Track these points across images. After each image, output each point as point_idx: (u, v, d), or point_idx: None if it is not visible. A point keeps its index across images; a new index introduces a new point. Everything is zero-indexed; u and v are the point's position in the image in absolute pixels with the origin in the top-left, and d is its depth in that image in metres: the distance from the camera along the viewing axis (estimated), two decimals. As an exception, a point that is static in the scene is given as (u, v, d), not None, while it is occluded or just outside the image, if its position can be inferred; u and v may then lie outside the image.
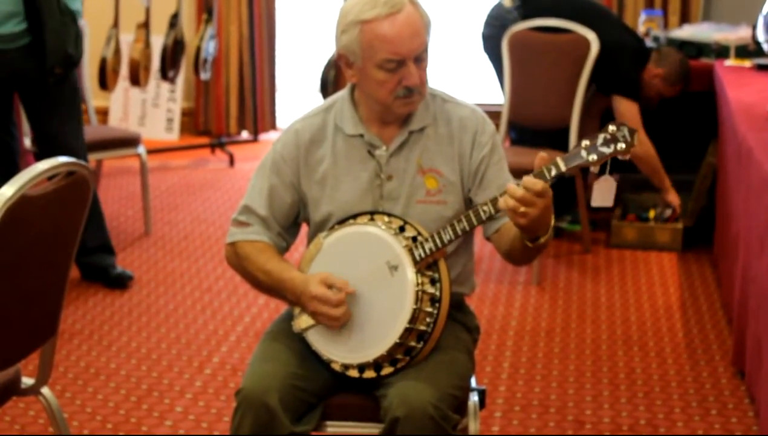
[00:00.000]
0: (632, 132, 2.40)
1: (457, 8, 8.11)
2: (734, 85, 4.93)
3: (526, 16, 5.27)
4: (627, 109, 5.14)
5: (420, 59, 2.56)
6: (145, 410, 3.73)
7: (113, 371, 4.03)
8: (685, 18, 6.65)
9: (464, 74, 8.21)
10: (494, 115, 5.93)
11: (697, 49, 5.69)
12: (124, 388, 3.90)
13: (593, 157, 2.41)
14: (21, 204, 2.40)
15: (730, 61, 5.52)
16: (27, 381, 2.82)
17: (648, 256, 5.28)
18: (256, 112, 7.53)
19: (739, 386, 3.86)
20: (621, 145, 2.41)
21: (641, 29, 6.11)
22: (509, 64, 5.25)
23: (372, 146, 2.66)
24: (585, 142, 2.42)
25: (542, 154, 2.42)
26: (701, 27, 6.00)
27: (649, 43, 5.81)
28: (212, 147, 7.23)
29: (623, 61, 5.17)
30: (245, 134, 7.69)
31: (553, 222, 2.50)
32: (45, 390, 2.84)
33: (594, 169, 2.45)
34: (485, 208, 2.48)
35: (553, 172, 2.41)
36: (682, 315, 4.53)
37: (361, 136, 2.66)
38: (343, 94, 2.72)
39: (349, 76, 2.63)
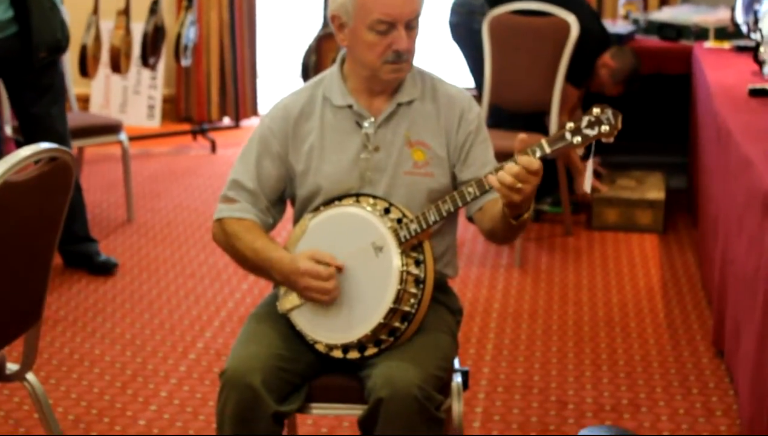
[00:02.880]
0: (616, 115, 2.42)
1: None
2: (713, 66, 4.95)
3: (493, 2, 5.28)
4: (571, 95, 5.28)
5: (411, 27, 2.59)
6: (129, 396, 3.73)
7: (98, 357, 4.03)
8: (665, 0, 6.66)
9: (435, 61, 8.23)
10: (476, 100, 5.98)
11: (677, 31, 5.71)
12: (109, 374, 3.90)
13: (578, 139, 2.43)
14: (3, 190, 2.40)
15: (710, 43, 5.55)
16: (12, 367, 2.82)
17: (629, 238, 5.30)
18: (238, 98, 7.52)
19: (720, 365, 3.89)
20: (605, 128, 2.42)
21: (621, 11, 6.15)
22: (489, 48, 5.26)
23: (360, 117, 2.67)
24: (569, 125, 2.43)
25: (522, 137, 2.44)
26: (681, 9, 6.03)
27: (628, 26, 5.83)
28: (194, 133, 7.22)
29: (585, 49, 5.18)
30: (227, 120, 7.68)
31: (533, 202, 2.51)
32: (30, 376, 2.84)
33: (579, 151, 2.47)
34: (470, 190, 2.49)
35: (538, 154, 2.42)
36: (663, 296, 4.56)
37: (350, 107, 2.68)
38: (332, 68, 2.75)
39: (340, 39, 2.66)
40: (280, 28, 8.18)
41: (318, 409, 2.67)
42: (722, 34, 5.57)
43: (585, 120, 2.42)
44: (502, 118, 5.59)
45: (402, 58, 2.59)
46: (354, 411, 2.61)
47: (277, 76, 8.25)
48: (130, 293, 4.65)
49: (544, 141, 2.43)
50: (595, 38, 5.30)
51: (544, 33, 5.19)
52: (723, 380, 3.80)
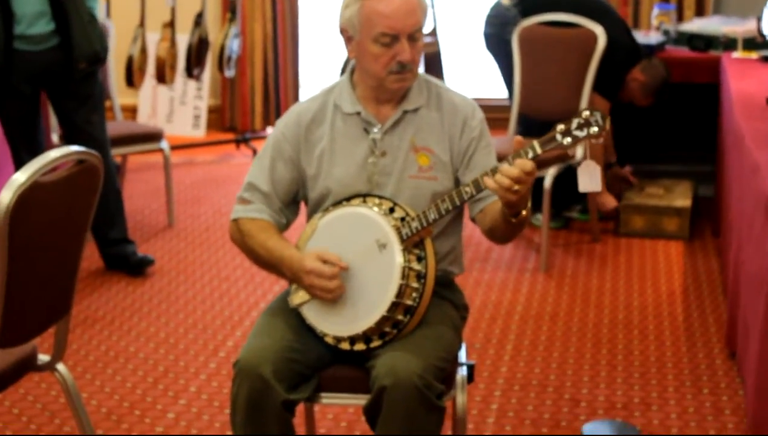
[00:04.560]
0: (604, 117, 2.54)
1: (464, 8, 8.25)
2: (738, 76, 5.04)
3: (525, 13, 5.41)
4: (599, 106, 5.32)
5: (414, 38, 2.74)
6: (160, 390, 3.90)
7: (132, 354, 4.20)
8: (699, 11, 6.74)
9: (472, 71, 8.36)
10: (502, 109, 6.10)
11: (706, 41, 5.79)
12: (142, 369, 4.07)
13: (568, 140, 2.56)
14: (33, 189, 2.57)
15: (738, 54, 5.62)
16: (43, 358, 2.99)
17: (656, 244, 5.39)
18: (280, 108, 7.69)
19: (732, 366, 3.98)
20: (594, 129, 2.55)
21: (654, 23, 6.22)
22: (519, 59, 5.39)
23: (368, 124, 2.82)
24: (560, 127, 2.56)
25: (518, 139, 2.57)
26: (711, 20, 6.10)
27: (659, 36, 5.92)
28: (237, 142, 7.40)
29: (614, 60, 5.29)
30: (270, 130, 7.85)
31: (529, 202, 2.64)
32: (60, 366, 3.01)
33: (570, 151, 2.59)
34: (467, 189, 2.63)
35: (530, 155, 2.55)
36: (684, 300, 4.65)
37: (358, 114, 2.83)
38: (343, 77, 2.90)
39: (348, 51, 2.82)
40: (322, 39, 8.34)
41: (327, 398, 2.82)
42: (750, 44, 5.64)
43: (575, 122, 2.55)
44: (532, 126, 5.71)
45: (406, 68, 2.74)
46: (360, 400, 2.75)
47: (319, 86, 8.39)
48: (166, 293, 4.82)
49: (536, 142, 2.56)
50: (624, 50, 5.40)
51: (573, 44, 5.30)
52: (734, 380, 3.89)
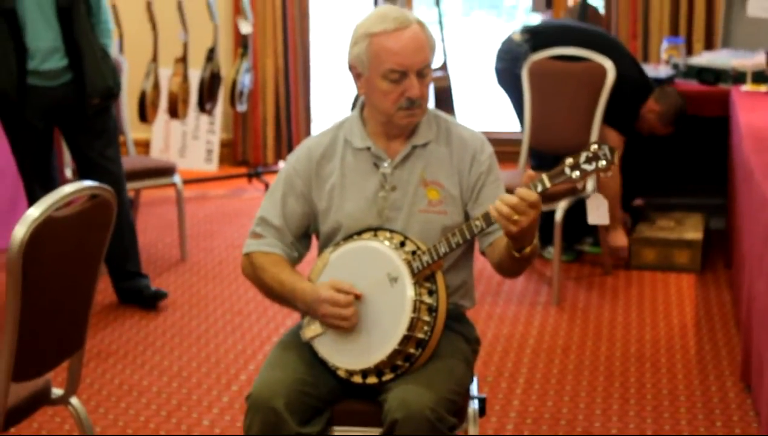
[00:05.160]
0: (612, 150, 2.56)
1: (475, 42, 8.32)
2: (747, 109, 5.06)
3: (535, 47, 5.44)
4: (613, 141, 5.33)
5: (422, 74, 2.76)
6: (174, 424, 3.91)
7: (145, 388, 4.21)
8: (708, 44, 6.76)
9: (483, 104, 8.40)
10: (512, 142, 6.13)
11: (715, 75, 5.81)
12: (155, 403, 4.08)
13: (576, 173, 2.57)
14: (47, 224, 2.59)
15: (747, 87, 5.64)
16: (57, 392, 3.00)
17: (667, 277, 5.39)
18: (292, 142, 7.72)
19: (746, 399, 3.98)
20: (602, 163, 2.56)
21: (663, 56, 6.24)
22: (529, 93, 5.41)
23: (378, 159, 2.84)
24: (569, 160, 2.58)
25: (529, 173, 2.59)
26: (720, 53, 6.12)
27: (668, 70, 5.95)
28: (249, 177, 7.43)
29: (623, 95, 5.31)
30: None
31: (537, 238, 2.65)
32: (74, 400, 3.03)
33: (579, 185, 2.61)
34: (477, 222, 2.65)
35: (539, 188, 2.57)
36: (696, 333, 4.65)
37: (368, 149, 2.84)
38: (353, 112, 2.92)
39: (358, 87, 2.84)
40: (334, 73, 8.39)
41: (339, 432, 2.82)
42: (759, 77, 5.66)
43: (583, 155, 2.56)
44: (545, 160, 5.74)
45: (415, 104, 2.76)
46: (373, 434, 2.76)
47: (331, 120, 8.43)
48: (179, 327, 4.84)
49: (544, 175, 2.57)
50: (634, 84, 5.42)
51: (582, 78, 5.32)
52: (748, 413, 3.88)
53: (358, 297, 2.71)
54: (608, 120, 5.33)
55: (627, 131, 5.44)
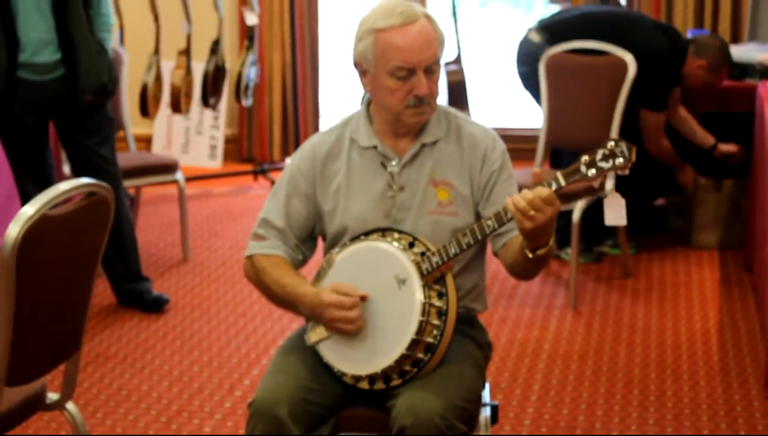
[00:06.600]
0: (630, 147, 2.55)
1: (489, 35, 8.33)
2: (774, 105, 5.04)
3: (552, 40, 5.43)
4: (653, 120, 5.41)
5: (431, 71, 2.76)
6: (174, 430, 3.92)
7: (145, 393, 4.22)
8: (734, 37, 6.74)
9: (498, 99, 8.40)
10: (528, 139, 6.14)
11: (741, 70, 5.80)
12: (155, 409, 4.09)
13: (592, 171, 2.57)
14: (42, 223, 2.59)
15: (774, 82, 5.62)
16: (52, 396, 3.01)
17: (689, 280, 5.38)
18: (299, 138, 7.73)
19: (771, 408, 3.98)
20: (619, 160, 2.56)
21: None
22: (546, 88, 5.40)
23: (385, 158, 2.84)
24: (584, 158, 2.58)
25: (536, 171, 2.59)
26: (747, 47, 6.11)
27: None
28: (255, 174, 7.44)
29: (655, 72, 5.30)
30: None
31: (552, 240, 2.64)
32: (70, 405, 3.03)
33: (595, 183, 2.60)
34: (489, 222, 2.65)
35: (554, 186, 2.57)
36: (719, 339, 4.64)
37: (375, 147, 2.84)
38: (359, 109, 2.92)
39: (364, 84, 2.84)
40: (343, 67, 8.39)
41: (345, 439, 2.83)
42: (788, 72, 5.65)
43: (600, 153, 2.56)
44: (563, 157, 5.74)
45: (423, 102, 2.76)
46: (379, 441, 2.77)
47: (340, 115, 8.44)
48: (181, 330, 4.85)
49: (559, 174, 2.57)
50: (665, 55, 5.37)
51: (602, 71, 5.31)
52: (772, 423, 3.88)
53: (363, 298, 2.72)
54: (642, 103, 5.33)
55: (663, 107, 5.43)
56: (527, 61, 5.62)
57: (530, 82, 5.64)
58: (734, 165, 5.62)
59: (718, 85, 5.52)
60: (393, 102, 2.77)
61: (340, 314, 2.71)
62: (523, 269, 2.75)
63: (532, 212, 2.53)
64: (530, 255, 2.64)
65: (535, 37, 5.58)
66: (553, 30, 5.54)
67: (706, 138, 5.62)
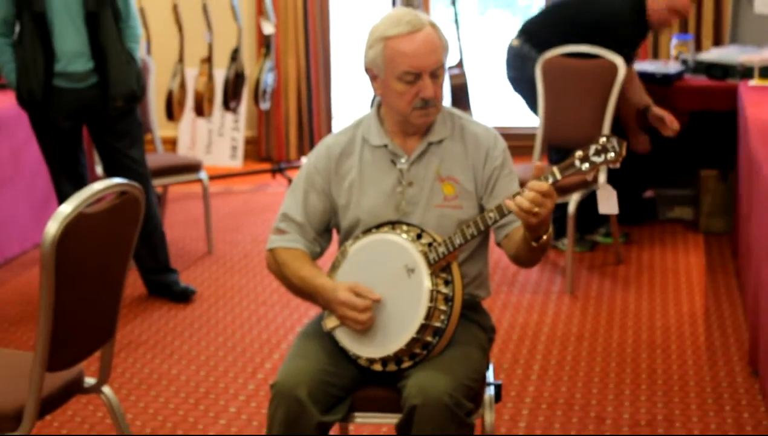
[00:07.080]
0: (620, 143, 2.56)
1: (490, 39, 8.31)
2: (754, 103, 5.04)
3: (538, 46, 5.44)
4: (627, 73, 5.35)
5: (436, 75, 2.77)
6: (201, 411, 3.93)
7: (174, 377, 4.24)
8: (717, 41, 6.74)
9: (499, 100, 8.39)
10: (527, 137, 6.14)
11: (723, 70, 5.80)
12: (184, 391, 4.10)
13: (586, 165, 2.58)
14: (78, 220, 2.61)
15: (755, 82, 5.62)
16: (89, 381, 3.03)
17: (677, 266, 5.39)
18: (314, 138, 7.74)
19: (754, 384, 3.97)
20: (611, 155, 2.57)
21: (673, 53, 6.23)
22: (543, 89, 5.41)
23: (395, 156, 2.85)
24: (578, 153, 2.59)
25: (538, 164, 2.60)
26: (728, 49, 6.10)
27: (677, 66, 5.93)
28: (273, 172, 7.45)
29: (618, 30, 5.34)
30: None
31: (551, 226, 2.66)
32: (106, 389, 3.04)
33: (589, 177, 2.61)
34: (491, 214, 2.66)
35: (551, 180, 2.57)
36: (705, 320, 4.65)
37: (385, 146, 2.86)
38: (370, 111, 2.93)
39: (374, 88, 2.86)
40: (354, 72, 8.41)
41: (360, 418, 2.83)
42: (766, 72, 5.63)
43: (592, 148, 2.57)
44: (563, 156, 5.74)
45: (429, 104, 2.78)
46: (392, 420, 2.77)
47: (351, 117, 8.45)
48: (207, 318, 4.86)
49: (555, 168, 2.58)
50: (624, 13, 5.39)
51: (594, 73, 5.32)
52: (756, 397, 3.88)
53: (376, 301, 2.73)
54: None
55: (630, 59, 5.42)
56: (514, 64, 5.65)
57: (519, 85, 5.66)
58: (664, 133, 5.47)
59: (686, 14, 5.48)
60: (401, 104, 2.78)
61: (351, 314, 2.72)
62: (527, 258, 2.76)
63: (536, 209, 2.54)
64: (534, 244, 2.65)
65: (515, 43, 5.61)
66: (529, 33, 5.56)
67: (645, 98, 5.51)
